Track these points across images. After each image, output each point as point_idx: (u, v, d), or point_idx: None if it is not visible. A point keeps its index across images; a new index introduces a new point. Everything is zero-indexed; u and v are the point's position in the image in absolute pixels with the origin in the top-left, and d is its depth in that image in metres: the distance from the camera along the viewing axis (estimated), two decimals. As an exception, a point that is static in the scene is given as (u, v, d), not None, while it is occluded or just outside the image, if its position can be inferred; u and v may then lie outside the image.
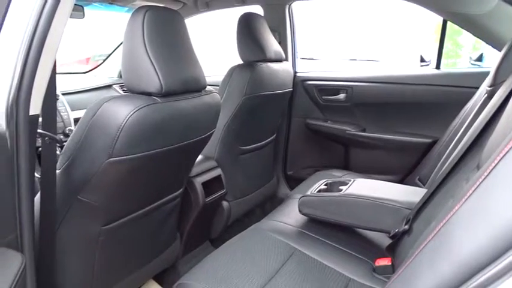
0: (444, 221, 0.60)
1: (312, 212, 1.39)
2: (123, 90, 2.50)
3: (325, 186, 1.48)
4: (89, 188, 1.07)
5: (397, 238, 1.15)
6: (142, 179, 1.17)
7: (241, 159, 1.98)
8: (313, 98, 2.32)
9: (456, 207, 0.57)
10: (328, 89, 2.27)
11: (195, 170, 1.68)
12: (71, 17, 0.90)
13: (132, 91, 1.11)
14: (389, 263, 1.12)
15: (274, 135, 2.24)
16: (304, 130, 2.40)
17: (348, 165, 2.30)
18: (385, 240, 1.25)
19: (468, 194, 0.54)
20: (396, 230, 1.14)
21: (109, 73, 2.72)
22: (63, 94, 2.03)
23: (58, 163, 1.09)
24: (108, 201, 1.12)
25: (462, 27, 1.77)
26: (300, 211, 1.41)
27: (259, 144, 2.06)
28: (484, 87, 1.43)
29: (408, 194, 1.31)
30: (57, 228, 1.11)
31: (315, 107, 2.35)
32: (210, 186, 1.74)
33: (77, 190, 1.08)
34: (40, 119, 0.92)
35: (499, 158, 0.50)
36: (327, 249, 1.27)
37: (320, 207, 1.36)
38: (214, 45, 4.51)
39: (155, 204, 1.31)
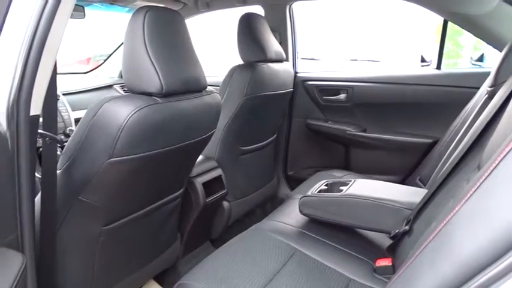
0: (445, 222, 0.60)
1: (312, 213, 1.39)
2: (123, 90, 2.50)
3: (326, 187, 1.48)
4: (89, 188, 1.07)
5: (397, 238, 1.15)
6: (143, 179, 1.17)
7: (242, 160, 1.98)
8: (314, 98, 2.32)
9: (457, 208, 0.56)
10: (328, 89, 2.27)
11: (195, 170, 1.68)
12: (71, 18, 0.91)
13: (132, 91, 1.11)
14: (390, 264, 1.12)
15: (275, 136, 2.24)
16: (304, 130, 2.40)
17: (349, 166, 2.30)
18: (385, 241, 1.25)
19: (469, 195, 0.54)
20: (397, 231, 1.14)
21: (110, 73, 2.72)
22: (64, 94, 2.04)
23: (59, 163, 1.09)
24: (108, 201, 1.12)
25: (463, 28, 1.77)
26: (301, 211, 1.41)
27: (259, 144, 2.06)
28: (485, 87, 1.43)
29: (409, 194, 1.31)
30: (58, 228, 1.12)
31: (316, 107, 2.35)
32: (211, 186, 1.74)
33: (78, 190, 1.08)
34: (41, 119, 0.92)
35: (499, 159, 0.50)
36: (327, 249, 1.27)
37: (320, 208, 1.36)
38: (214, 45, 4.51)
39: (156, 205, 1.31)
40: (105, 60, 2.77)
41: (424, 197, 1.11)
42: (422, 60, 2.45)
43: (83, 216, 1.13)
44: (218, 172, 1.83)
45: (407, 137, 2.03)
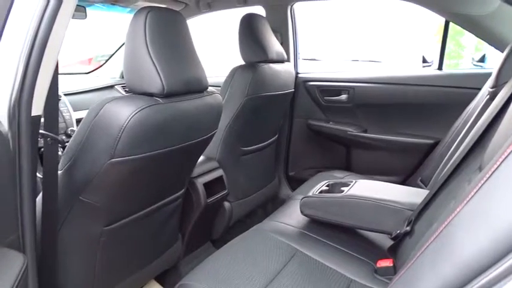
0: (446, 223, 0.59)
1: (313, 213, 1.39)
2: (125, 90, 2.50)
3: (327, 187, 1.48)
4: (90, 188, 1.07)
5: (398, 239, 1.15)
6: (144, 180, 1.17)
7: (243, 160, 1.98)
8: (315, 98, 2.32)
9: (458, 209, 0.56)
10: (330, 90, 2.27)
11: (196, 171, 1.69)
12: (73, 18, 0.91)
13: (134, 92, 1.11)
14: (391, 265, 1.12)
15: (276, 136, 2.24)
16: (305, 131, 2.40)
17: (350, 166, 2.30)
18: (386, 242, 1.24)
19: (470, 196, 0.54)
20: (398, 231, 1.14)
21: (111, 74, 2.73)
22: (65, 95, 2.04)
23: (60, 164, 1.09)
24: (109, 201, 1.12)
25: (464, 28, 1.77)
26: (302, 212, 1.41)
27: (261, 145, 2.06)
28: (486, 88, 1.42)
29: (410, 195, 1.31)
30: (59, 228, 1.12)
31: (317, 108, 2.35)
32: (212, 187, 1.74)
33: (79, 191, 1.08)
34: (42, 120, 0.92)
35: (501, 160, 0.50)
36: (328, 250, 1.27)
37: (322, 208, 1.36)
38: (215, 46, 4.51)
39: (157, 205, 1.31)
40: (106, 61, 2.78)
41: (425, 198, 1.11)
42: (424, 60, 2.45)
43: (84, 217, 1.13)
44: (219, 172, 1.83)
45: (408, 138, 2.02)
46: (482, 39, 1.74)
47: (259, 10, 2.26)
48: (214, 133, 1.37)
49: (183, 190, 1.45)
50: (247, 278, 1.08)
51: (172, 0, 2.26)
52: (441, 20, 1.94)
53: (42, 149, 0.99)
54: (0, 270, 0.76)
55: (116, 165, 1.02)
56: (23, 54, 0.83)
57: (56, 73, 0.92)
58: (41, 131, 0.93)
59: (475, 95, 1.60)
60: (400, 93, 2.05)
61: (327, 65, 4.14)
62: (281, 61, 2.00)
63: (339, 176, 1.88)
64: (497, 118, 0.96)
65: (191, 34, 1.22)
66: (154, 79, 1.06)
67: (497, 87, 1.27)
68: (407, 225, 1.12)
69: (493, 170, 0.50)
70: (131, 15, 1.10)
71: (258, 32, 1.83)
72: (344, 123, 2.25)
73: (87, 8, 1.97)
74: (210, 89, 1.30)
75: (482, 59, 2.44)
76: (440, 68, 2.01)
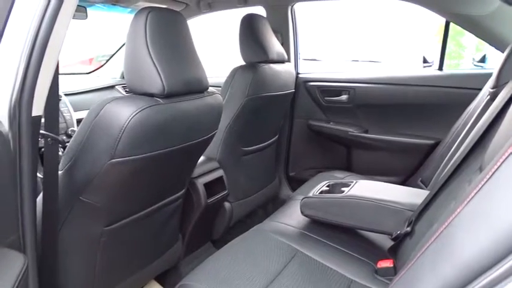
0: (446, 224, 0.59)
1: (313, 214, 1.39)
2: (125, 91, 2.50)
3: (327, 188, 1.48)
4: (91, 188, 1.07)
5: (399, 240, 1.15)
6: (144, 180, 1.17)
7: (244, 160, 1.98)
8: (316, 99, 2.32)
9: (458, 210, 0.56)
10: (330, 90, 2.27)
11: (197, 171, 1.69)
12: (73, 18, 0.91)
13: (134, 92, 1.11)
14: (391, 265, 1.12)
15: (277, 136, 2.24)
16: (306, 131, 2.40)
17: (350, 167, 2.30)
18: (387, 242, 1.24)
19: (470, 197, 0.54)
20: (398, 232, 1.14)
21: (112, 74, 2.73)
22: (66, 95, 2.04)
23: (60, 164, 1.09)
24: (110, 202, 1.12)
25: (465, 29, 1.77)
26: (302, 212, 1.41)
27: (261, 145, 2.06)
28: (487, 88, 1.42)
29: (410, 195, 1.31)
30: (59, 229, 1.12)
31: (317, 108, 2.35)
32: (212, 187, 1.74)
33: (79, 191, 1.08)
34: (43, 120, 0.92)
35: (501, 160, 0.50)
36: (329, 250, 1.27)
37: (322, 209, 1.36)
38: (216, 46, 4.51)
39: (157, 205, 1.31)
40: (107, 61, 2.78)
41: (425, 198, 1.11)
42: (425, 61, 2.45)
43: (85, 217, 1.13)
44: (220, 173, 1.83)
45: (409, 138, 2.02)
46: (482, 40, 1.74)
47: (259, 10, 2.26)
48: (215, 133, 1.37)
49: (183, 190, 1.45)
50: (248, 278, 1.08)
51: (172, 0, 2.26)
52: (442, 20, 1.94)
53: (43, 149, 0.99)
54: (1, 270, 0.76)
55: (117, 166, 1.02)
56: (23, 54, 0.83)
57: (56, 73, 0.92)
58: (41, 131, 0.93)
59: (476, 95, 1.60)
60: (400, 93, 2.05)
61: (328, 66, 4.14)
62: (281, 61, 2.00)
63: (339, 176, 1.88)
64: (498, 119, 0.96)
65: (192, 34, 1.22)
66: (154, 79, 1.06)
67: (497, 87, 1.27)
68: (407, 226, 1.12)
69: (493, 170, 0.50)
70: (132, 16, 1.10)
71: (259, 32, 1.83)
72: (344, 124, 2.25)
73: (87, 8, 1.97)
74: (210, 89, 1.30)
75: (482, 60, 2.44)
76: (440, 68, 2.01)
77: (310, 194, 1.41)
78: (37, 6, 0.83)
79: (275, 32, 2.04)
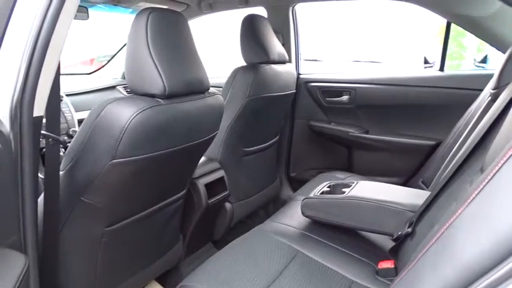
0: (447, 225, 0.59)
1: (314, 214, 1.39)
2: (126, 91, 2.50)
3: (328, 189, 1.48)
4: (92, 189, 1.07)
5: (400, 241, 1.14)
6: (145, 181, 1.17)
7: (244, 161, 1.98)
8: (317, 99, 2.32)
9: (459, 211, 0.56)
10: (331, 91, 2.27)
11: (198, 172, 1.69)
12: (75, 19, 0.91)
13: (135, 93, 1.11)
14: (392, 266, 1.12)
15: (278, 137, 2.23)
16: (307, 132, 2.40)
17: (351, 167, 2.30)
18: (388, 243, 1.24)
19: (471, 198, 0.54)
20: (399, 233, 1.13)
21: (113, 74, 2.73)
22: (67, 95, 2.04)
23: (62, 164, 1.09)
24: (111, 202, 1.12)
25: (466, 29, 1.77)
26: (303, 213, 1.40)
27: (262, 145, 2.06)
28: (488, 89, 1.42)
29: (411, 196, 1.30)
30: (61, 229, 1.12)
31: (318, 109, 2.35)
32: (213, 187, 1.74)
33: (80, 191, 1.08)
34: (44, 120, 0.92)
35: (502, 162, 0.50)
36: (329, 251, 1.27)
37: (323, 210, 1.36)
38: (217, 46, 4.51)
39: (158, 206, 1.32)
40: (108, 61, 2.78)
41: (426, 199, 1.11)
42: (426, 61, 2.46)
43: (86, 217, 1.13)
44: (221, 173, 1.83)
45: (410, 139, 2.02)
46: (483, 40, 1.74)
47: (260, 11, 2.26)
48: (216, 134, 1.37)
49: (184, 191, 1.46)
50: (248, 279, 1.08)
51: (174, 1, 2.27)
52: (443, 21, 1.94)
53: (44, 150, 0.99)
54: (2, 271, 0.76)
55: (118, 166, 1.02)
56: (25, 54, 0.84)
57: (57, 74, 0.92)
58: (42, 132, 0.93)
59: (477, 96, 1.60)
60: (401, 94, 2.05)
61: (329, 66, 4.14)
62: (282, 62, 2.00)
63: (340, 177, 1.88)
64: (499, 120, 0.96)
65: (193, 35, 1.22)
66: (155, 80, 1.06)
67: (499, 88, 1.27)
68: (408, 227, 1.11)
69: (494, 171, 0.50)
70: (133, 16, 1.10)
71: (260, 33, 1.83)
72: (345, 124, 2.25)
73: (89, 9, 1.98)
74: (211, 89, 1.30)
75: (484, 60, 2.44)
76: (442, 69, 2.01)
77: (311, 195, 1.41)
78: (39, 7, 0.84)
79: (276, 32, 2.04)
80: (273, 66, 1.90)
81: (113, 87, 2.53)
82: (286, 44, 2.28)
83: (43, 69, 0.84)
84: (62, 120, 1.86)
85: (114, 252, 1.24)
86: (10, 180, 0.83)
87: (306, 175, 2.36)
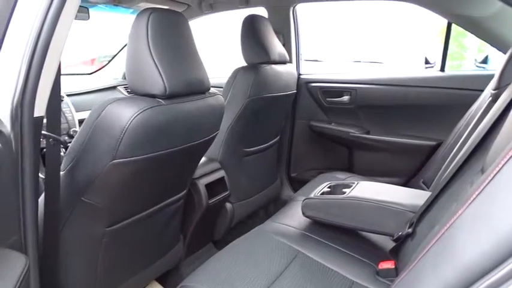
0: (448, 225, 0.59)
1: (315, 215, 1.39)
2: (127, 91, 2.51)
3: (329, 189, 1.48)
4: (92, 189, 1.07)
5: (400, 241, 1.14)
6: (146, 181, 1.17)
7: (245, 161, 1.98)
8: (317, 100, 2.32)
9: (460, 212, 0.56)
10: (332, 91, 2.27)
11: (198, 172, 1.69)
12: (75, 19, 0.91)
13: (136, 93, 1.11)
14: (393, 266, 1.12)
15: (278, 137, 2.24)
16: (308, 132, 2.39)
17: (352, 168, 2.30)
18: (388, 243, 1.24)
19: (472, 198, 0.54)
20: (400, 233, 1.13)
21: (114, 74, 2.73)
22: (68, 95, 2.04)
23: (62, 164, 1.09)
24: (111, 202, 1.12)
25: (466, 30, 1.77)
26: (303, 213, 1.40)
27: (262, 146, 2.06)
28: (489, 90, 1.42)
29: (412, 197, 1.30)
30: (61, 229, 1.12)
31: (319, 109, 2.35)
32: (214, 188, 1.75)
33: (81, 191, 1.08)
34: (44, 120, 0.92)
35: (503, 162, 0.49)
36: (330, 251, 1.27)
37: (323, 210, 1.36)
38: (218, 47, 4.51)
39: (159, 206, 1.32)
40: (109, 62, 2.78)
41: (427, 199, 1.11)
42: (426, 62, 2.45)
43: (86, 218, 1.13)
44: (221, 174, 1.83)
45: (410, 139, 2.02)
46: (484, 41, 1.74)
47: (261, 11, 2.26)
48: (216, 134, 1.37)
49: (184, 191, 1.46)
50: (249, 279, 1.08)
51: (174, 1, 2.27)
52: (443, 21, 1.94)
53: (45, 150, 0.99)
54: (2, 271, 0.76)
55: (118, 166, 1.02)
56: (25, 55, 0.84)
57: (58, 74, 0.92)
58: (43, 132, 0.93)
59: (478, 96, 1.60)
60: (402, 94, 2.05)
61: (329, 66, 4.14)
62: (283, 62, 2.00)
63: (341, 177, 1.88)
64: (500, 120, 0.96)
65: (193, 35, 1.22)
66: (156, 80, 1.06)
67: (499, 89, 1.26)
68: (409, 227, 1.11)
69: (495, 172, 0.50)
70: (134, 16, 1.10)
71: (260, 33, 1.83)
72: (346, 125, 2.25)
73: (90, 9, 1.98)
74: (212, 90, 1.30)
75: (485, 61, 2.44)
76: (442, 69, 2.01)
77: (312, 195, 1.41)
78: (39, 7, 0.84)
79: (277, 33, 2.04)
80: (274, 66, 1.90)
81: (113, 88, 2.53)
82: (286, 44, 2.28)
83: (44, 69, 0.84)
84: (62, 120, 1.86)
85: (114, 253, 1.24)
86: (11, 180, 0.83)
87: (307, 175, 2.36)
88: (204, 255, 1.83)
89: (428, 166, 1.83)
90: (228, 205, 1.90)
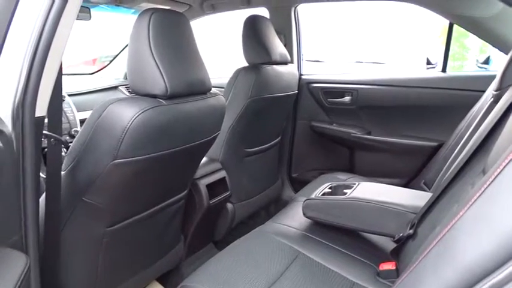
0: (449, 227, 0.59)
1: (316, 215, 1.38)
2: (128, 91, 2.51)
3: (330, 190, 1.48)
4: (93, 189, 1.07)
5: (401, 242, 1.14)
6: (147, 181, 1.17)
7: (246, 162, 1.98)
8: (319, 100, 2.32)
9: (461, 213, 0.56)
10: (333, 92, 2.27)
11: (199, 172, 1.69)
12: (77, 19, 0.91)
13: (137, 93, 1.11)
14: (394, 268, 1.12)
15: (279, 138, 2.24)
16: (309, 132, 2.39)
17: (353, 168, 2.30)
18: (389, 245, 1.24)
19: (473, 200, 0.54)
20: (401, 234, 1.13)
21: (115, 74, 2.73)
22: (69, 95, 2.04)
23: (63, 164, 1.09)
24: (112, 202, 1.12)
25: (468, 30, 1.77)
26: (304, 214, 1.40)
27: (264, 146, 2.06)
28: (490, 91, 1.42)
29: (413, 198, 1.30)
30: (62, 229, 1.12)
31: (320, 110, 2.35)
32: (215, 188, 1.75)
33: (82, 191, 1.09)
34: (46, 120, 0.92)
35: (504, 164, 0.49)
36: (331, 252, 1.26)
37: (324, 211, 1.36)
38: (219, 47, 4.52)
39: (159, 206, 1.32)
40: (110, 62, 2.78)
41: (428, 200, 1.11)
42: (428, 62, 2.45)
43: (87, 217, 1.13)
44: (222, 174, 1.83)
45: (412, 140, 2.02)
46: (486, 41, 1.74)
47: (263, 12, 2.26)
48: (217, 135, 1.37)
49: (185, 191, 1.46)
50: (249, 280, 1.08)
51: (176, 1, 2.27)
52: (445, 22, 1.94)
53: (46, 150, 0.99)
54: (3, 270, 0.76)
55: (119, 167, 1.02)
56: (27, 55, 0.84)
57: (60, 74, 0.92)
58: (44, 132, 0.93)
59: (479, 97, 1.60)
60: (403, 95, 2.05)
61: (331, 67, 4.14)
62: (284, 63, 2.00)
63: (342, 178, 1.88)
64: (501, 121, 0.96)
65: (195, 36, 1.22)
66: (157, 81, 1.06)
67: (501, 89, 1.26)
68: (410, 228, 1.11)
69: (496, 173, 0.50)
70: (135, 17, 1.10)
71: (262, 33, 1.83)
72: (347, 125, 2.24)
73: (91, 9, 1.98)
74: (213, 90, 1.30)
75: (486, 61, 2.43)
76: (444, 70, 2.00)
77: (313, 196, 1.41)
78: (41, 7, 0.84)
79: (278, 33, 2.04)
80: (275, 67, 1.90)
81: (115, 88, 2.53)
82: (288, 45, 2.28)
83: (45, 69, 0.85)
84: (64, 120, 1.86)
85: (115, 252, 1.24)
86: (12, 180, 0.83)
87: (308, 176, 2.36)
88: (205, 255, 1.83)
89: (429, 167, 1.83)
90: (229, 205, 1.90)
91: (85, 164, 1.06)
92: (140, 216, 1.25)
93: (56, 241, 1.09)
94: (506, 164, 0.49)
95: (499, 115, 0.98)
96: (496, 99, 1.26)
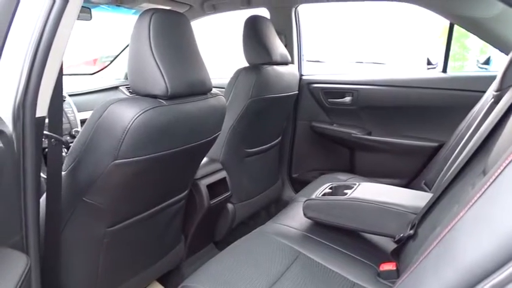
0: (449, 227, 0.59)
1: (316, 216, 1.38)
2: (129, 92, 2.51)
3: (330, 190, 1.47)
4: (94, 189, 1.07)
5: (402, 243, 1.14)
6: (147, 181, 1.17)
7: (247, 162, 1.98)
8: (319, 100, 2.32)
9: (461, 213, 0.56)
10: (334, 92, 2.27)
11: (200, 173, 1.69)
12: (78, 19, 0.91)
13: (138, 93, 1.12)
14: (394, 268, 1.12)
15: (280, 138, 2.24)
16: (309, 133, 2.39)
17: (354, 169, 2.30)
18: (390, 245, 1.24)
19: (473, 200, 0.54)
20: (401, 235, 1.13)
21: (116, 75, 2.74)
22: (70, 95, 2.05)
23: (64, 164, 1.09)
24: (113, 203, 1.12)
25: (469, 31, 1.77)
26: (305, 214, 1.40)
27: (264, 146, 2.06)
28: (491, 91, 1.42)
29: (414, 198, 1.30)
30: (62, 229, 1.12)
31: (321, 110, 2.35)
32: (215, 188, 1.75)
33: (82, 192, 1.09)
34: (46, 121, 0.92)
35: (504, 164, 0.49)
36: (331, 253, 1.26)
37: (324, 211, 1.36)
38: (220, 47, 4.52)
39: (160, 206, 1.32)
40: (111, 62, 2.78)
41: (429, 201, 1.11)
42: (429, 62, 2.44)
43: (88, 218, 1.13)
44: (223, 174, 1.83)
45: (412, 141, 2.02)
46: (487, 42, 1.74)
47: (263, 12, 2.26)
48: (218, 135, 1.37)
49: (186, 191, 1.46)
50: (250, 280, 1.08)
51: (176, 2, 2.27)
52: (446, 22, 1.94)
53: (46, 150, 0.99)
54: (4, 270, 0.77)
55: (120, 167, 1.02)
56: (28, 55, 0.84)
57: (60, 74, 0.92)
58: (45, 132, 0.93)
59: (480, 98, 1.60)
60: (404, 95, 2.05)
61: (331, 67, 4.13)
62: (285, 63, 2.00)
63: (342, 178, 1.88)
64: (502, 122, 0.96)
65: (195, 36, 1.22)
66: (158, 81, 1.06)
67: (501, 90, 1.26)
68: (410, 229, 1.11)
69: (497, 174, 0.50)
70: (136, 17, 1.10)
71: (262, 34, 1.83)
72: (348, 126, 2.24)
73: (92, 9, 1.98)
74: (214, 90, 1.31)
75: (487, 62, 2.43)
76: (444, 70, 2.00)
77: (313, 196, 1.41)
78: (42, 8, 0.84)
79: (279, 33, 2.04)
80: (276, 67, 1.90)
81: (115, 88, 2.53)
82: (288, 45, 2.28)
83: (46, 69, 0.85)
84: (64, 120, 1.86)
85: (116, 253, 1.24)
86: (12, 181, 0.83)
87: (308, 176, 2.36)
88: (205, 255, 1.83)
89: (430, 167, 1.83)
90: (230, 206, 1.90)
91: (86, 164, 1.06)
92: (141, 217, 1.25)
93: (56, 241, 1.09)
94: (507, 165, 0.49)
95: (500, 116, 0.97)
96: (497, 99, 1.25)
